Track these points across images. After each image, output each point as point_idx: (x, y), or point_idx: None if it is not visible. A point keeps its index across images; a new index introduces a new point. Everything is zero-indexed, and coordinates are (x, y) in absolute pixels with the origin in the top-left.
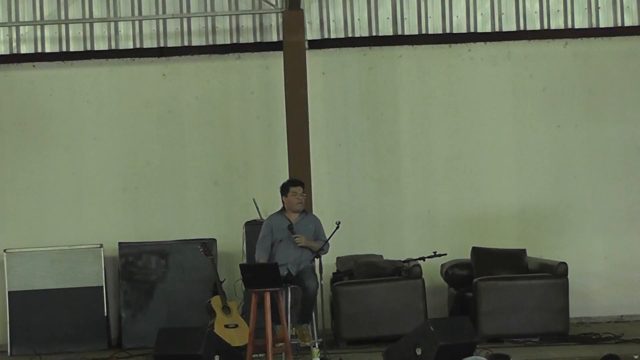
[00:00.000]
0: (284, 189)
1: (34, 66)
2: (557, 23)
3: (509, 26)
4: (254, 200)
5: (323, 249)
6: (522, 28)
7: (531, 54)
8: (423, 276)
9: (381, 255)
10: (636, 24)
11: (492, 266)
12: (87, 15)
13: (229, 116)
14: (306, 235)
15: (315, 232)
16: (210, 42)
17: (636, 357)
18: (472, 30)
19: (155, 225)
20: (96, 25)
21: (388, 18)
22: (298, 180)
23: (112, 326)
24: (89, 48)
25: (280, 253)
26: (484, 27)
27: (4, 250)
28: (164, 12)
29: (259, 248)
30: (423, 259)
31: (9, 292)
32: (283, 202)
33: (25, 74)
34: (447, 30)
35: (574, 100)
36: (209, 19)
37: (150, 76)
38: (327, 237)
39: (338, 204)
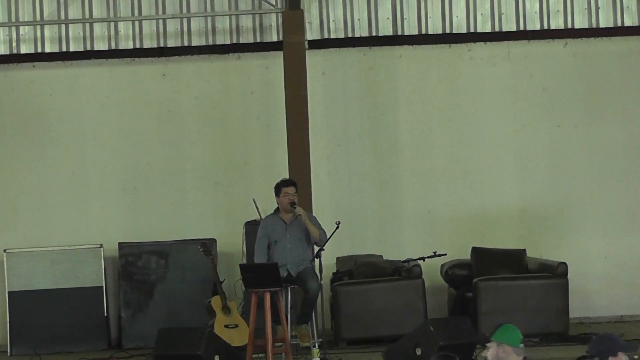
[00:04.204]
0: (277, 190)
1: (34, 66)
2: (557, 23)
3: (509, 26)
4: (253, 200)
5: (321, 239)
6: (522, 28)
7: (531, 54)
8: (423, 276)
9: (381, 255)
10: (636, 24)
11: (492, 266)
12: (87, 15)
13: (229, 116)
14: (299, 235)
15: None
16: (210, 42)
17: (636, 357)
18: (472, 30)
19: (155, 225)
20: (96, 25)
21: (388, 18)
22: (290, 180)
23: (112, 326)
24: (89, 48)
25: (277, 254)
26: (484, 27)
27: (4, 250)
28: (164, 12)
29: (257, 251)
30: (423, 259)
31: (9, 292)
32: (277, 202)
33: (25, 74)
34: (447, 30)
35: (574, 100)
36: (209, 19)
37: (150, 76)
38: (327, 237)
39: (338, 204)
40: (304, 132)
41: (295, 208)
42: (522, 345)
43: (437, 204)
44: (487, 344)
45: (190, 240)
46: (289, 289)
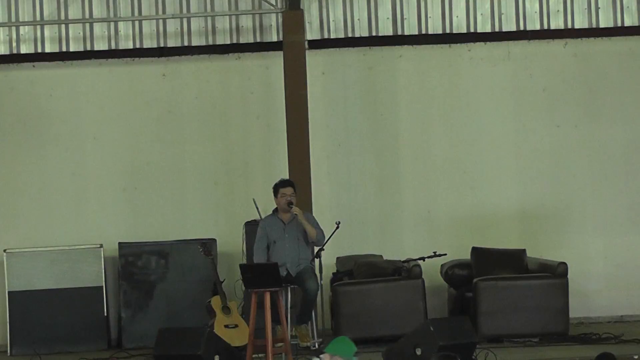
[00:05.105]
0: (275, 190)
1: (34, 66)
2: (557, 23)
3: (509, 26)
4: (253, 200)
5: (318, 238)
6: (522, 28)
7: (531, 54)
8: (423, 276)
9: (381, 255)
10: (636, 24)
11: (492, 266)
12: (87, 15)
13: (229, 116)
14: (297, 235)
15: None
16: (210, 42)
17: (636, 357)
18: (472, 30)
19: (155, 225)
20: (96, 25)
21: (388, 18)
22: (287, 180)
23: (112, 326)
24: (89, 48)
25: (276, 254)
26: (484, 27)
27: (4, 250)
28: (164, 12)
29: (256, 251)
30: (423, 259)
31: (9, 292)
32: (275, 203)
33: (25, 74)
34: (447, 30)
35: (574, 100)
36: (209, 19)
37: (150, 76)
38: (327, 237)
39: (338, 204)
40: (304, 132)
41: (291, 208)
42: (355, 358)
43: (437, 204)
44: (320, 356)
45: (190, 240)
46: (288, 289)
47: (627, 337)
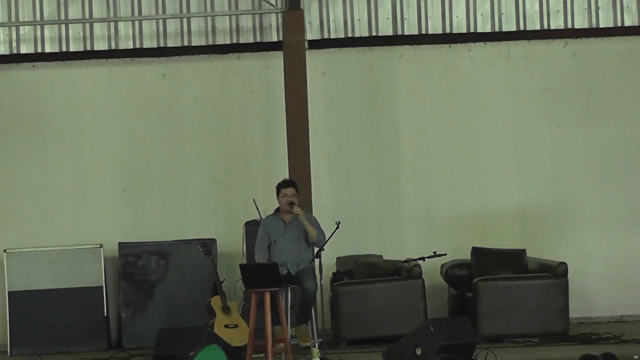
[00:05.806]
0: (277, 190)
1: (34, 66)
2: (557, 23)
3: (509, 26)
4: (254, 200)
5: (319, 239)
6: (522, 28)
7: (531, 54)
8: (423, 276)
9: (381, 255)
10: (636, 24)
11: (492, 266)
12: (87, 15)
13: (229, 116)
14: (298, 235)
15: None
16: (210, 42)
17: (636, 357)
18: (472, 30)
19: (155, 225)
20: (96, 25)
21: (388, 18)
22: (289, 181)
23: (112, 326)
24: (89, 48)
25: (277, 254)
26: (484, 27)
27: (4, 250)
28: (164, 12)
29: (258, 250)
30: (423, 259)
31: (9, 292)
32: (278, 202)
33: (25, 74)
34: (447, 30)
35: (574, 100)
36: (209, 19)
37: (150, 76)
38: (327, 237)
39: (338, 204)
40: (304, 132)
41: (292, 208)
42: None
43: (437, 204)
44: None
45: (190, 240)
46: (288, 289)
47: (627, 337)
